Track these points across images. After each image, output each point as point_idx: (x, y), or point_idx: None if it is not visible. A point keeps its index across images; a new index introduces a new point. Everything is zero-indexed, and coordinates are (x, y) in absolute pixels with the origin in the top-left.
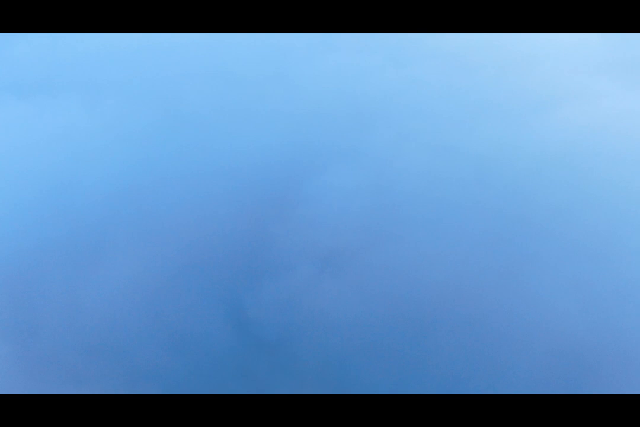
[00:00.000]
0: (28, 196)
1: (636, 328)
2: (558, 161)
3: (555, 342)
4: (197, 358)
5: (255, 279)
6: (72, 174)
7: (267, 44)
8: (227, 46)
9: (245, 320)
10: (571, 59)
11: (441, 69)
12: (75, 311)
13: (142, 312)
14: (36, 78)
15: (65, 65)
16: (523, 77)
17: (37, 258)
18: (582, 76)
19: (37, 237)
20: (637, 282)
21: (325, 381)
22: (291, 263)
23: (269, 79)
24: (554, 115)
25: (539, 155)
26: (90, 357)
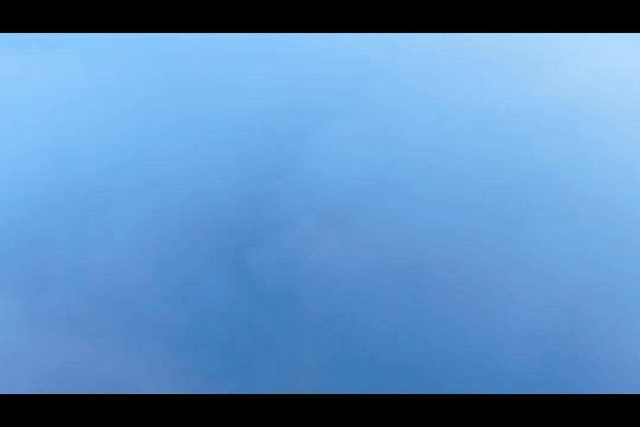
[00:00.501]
0: (31, 155)
1: (631, 286)
2: (558, 121)
3: (551, 300)
4: (202, 311)
5: (258, 234)
6: (76, 130)
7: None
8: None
9: (248, 274)
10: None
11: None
12: (82, 266)
13: (148, 267)
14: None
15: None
16: (525, 34)
17: (43, 215)
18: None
19: (42, 194)
20: (634, 242)
21: (327, 333)
22: (293, 218)
23: (272, 36)
24: (556, 74)
25: (542, 115)
26: (99, 310)
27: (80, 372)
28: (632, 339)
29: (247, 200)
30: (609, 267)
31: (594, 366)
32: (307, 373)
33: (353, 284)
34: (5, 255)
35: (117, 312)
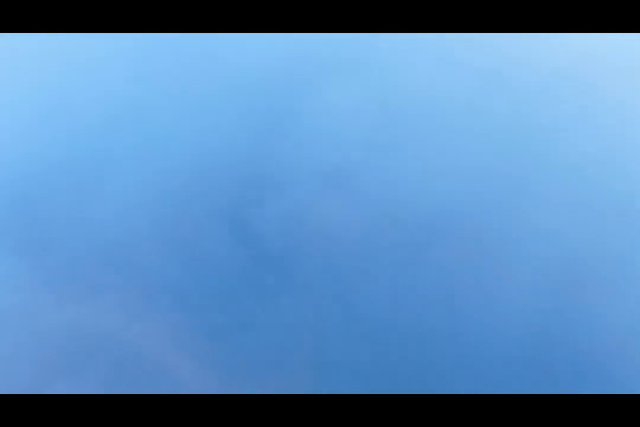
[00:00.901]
0: (32, 117)
1: (630, 247)
2: (563, 76)
3: (550, 260)
4: (205, 270)
5: (259, 195)
6: (76, 90)
7: None
8: None
9: (250, 234)
10: None
11: None
12: (85, 227)
13: (150, 227)
14: None
15: None
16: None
17: (45, 177)
18: None
19: (45, 157)
20: (633, 203)
21: (327, 291)
22: (294, 178)
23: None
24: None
25: (545, 71)
26: (103, 270)
27: (86, 332)
28: (630, 298)
29: (248, 161)
30: (609, 227)
31: (592, 325)
32: (309, 329)
33: (353, 243)
34: (8, 218)
35: (121, 272)
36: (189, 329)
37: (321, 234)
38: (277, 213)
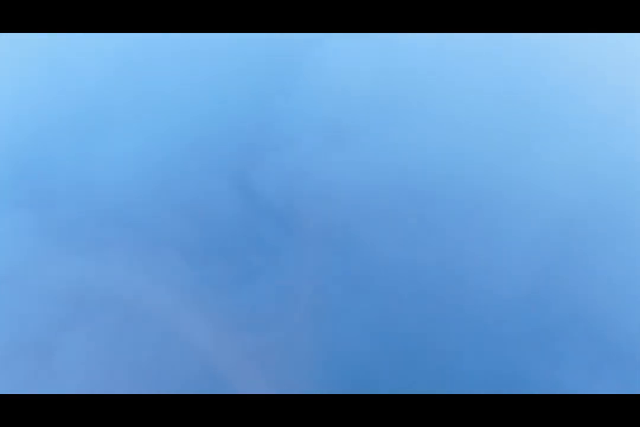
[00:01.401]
0: (34, 72)
1: (632, 200)
2: (565, 43)
3: (550, 221)
4: (208, 226)
5: (261, 151)
6: (76, 50)
7: None
8: None
9: (252, 190)
10: None
11: None
12: (89, 182)
13: (153, 184)
14: None
15: None
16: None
17: (50, 134)
18: None
19: (47, 114)
20: (634, 159)
21: (328, 246)
22: (296, 135)
23: None
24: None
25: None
26: (107, 225)
27: (93, 284)
28: (630, 260)
29: (250, 118)
30: (609, 189)
31: (591, 287)
32: (310, 282)
33: (354, 199)
34: (14, 172)
35: (125, 226)
36: (194, 282)
37: (322, 190)
38: (278, 169)
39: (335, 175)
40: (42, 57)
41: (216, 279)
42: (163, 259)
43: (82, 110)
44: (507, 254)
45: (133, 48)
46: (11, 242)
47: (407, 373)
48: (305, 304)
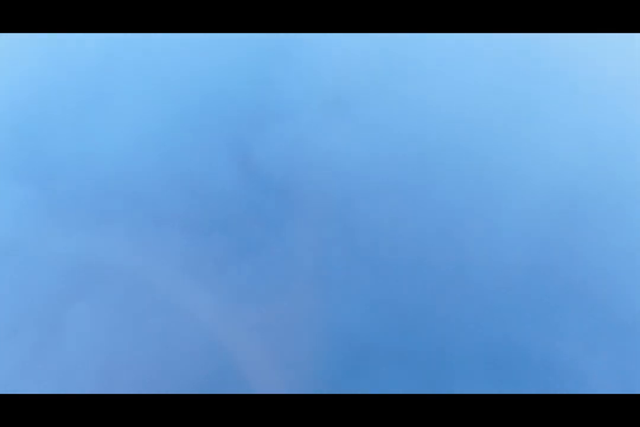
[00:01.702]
0: (34, 43)
1: (632, 172)
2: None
3: (557, 183)
4: (208, 199)
5: (261, 123)
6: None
7: None
8: None
9: (253, 163)
10: None
11: None
12: (90, 155)
13: (152, 156)
14: None
15: None
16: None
17: (49, 105)
18: None
19: (46, 87)
20: (635, 129)
21: (330, 219)
22: (297, 106)
23: None
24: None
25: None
26: (108, 198)
27: (95, 258)
28: (630, 227)
29: (250, 89)
30: (611, 157)
31: (593, 257)
32: (312, 255)
33: (356, 171)
34: (14, 145)
35: (126, 200)
36: (195, 254)
37: (323, 162)
38: (279, 142)
39: (336, 147)
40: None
41: (218, 251)
42: (164, 232)
43: (82, 82)
44: (508, 224)
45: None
46: (12, 216)
47: (408, 343)
48: (307, 275)
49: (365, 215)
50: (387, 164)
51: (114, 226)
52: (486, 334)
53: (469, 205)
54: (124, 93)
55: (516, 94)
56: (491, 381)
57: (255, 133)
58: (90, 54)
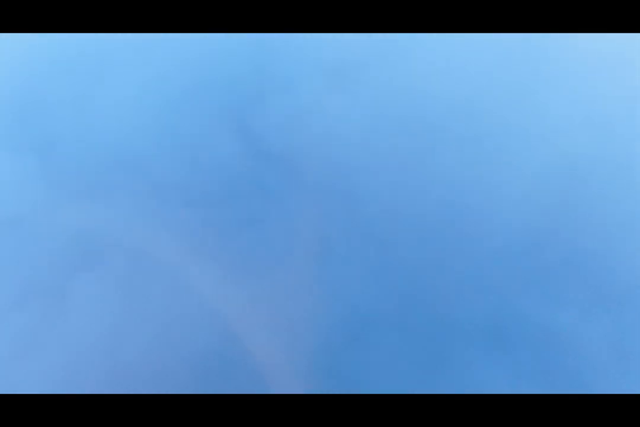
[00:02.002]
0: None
1: (632, 148)
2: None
3: (557, 155)
4: (210, 171)
5: (262, 95)
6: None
7: None
8: None
9: (253, 134)
10: None
11: None
12: (90, 127)
13: (154, 128)
14: None
15: None
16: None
17: (48, 78)
18: None
19: (46, 58)
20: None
21: (331, 191)
22: (297, 78)
23: None
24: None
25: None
26: (109, 170)
27: (96, 230)
28: (629, 199)
29: (250, 60)
30: (613, 127)
31: (591, 230)
32: (313, 227)
33: (357, 142)
34: (13, 116)
35: (127, 171)
36: (197, 227)
37: (324, 133)
38: (279, 113)
39: (338, 119)
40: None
41: (219, 223)
42: (166, 205)
43: (81, 53)
44: (507, 196)
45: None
46: (15, 188)
47: (408, 314)
48: (308, 246)
49: (366, 186)
50: (388, 136)
51: (116, 198)
52: (486, 304)
53: (470, 176)
54: (125, 66)
55: (522, 62)
56: (491, 350)
57: (256, 105)
58: (90, 41)
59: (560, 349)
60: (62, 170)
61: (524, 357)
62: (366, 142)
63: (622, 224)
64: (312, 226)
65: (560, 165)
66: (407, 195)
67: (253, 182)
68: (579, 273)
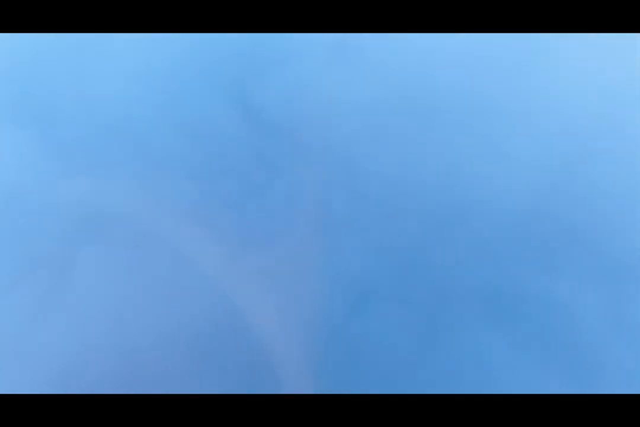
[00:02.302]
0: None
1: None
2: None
3: (554, 130)
4: (210, 143)
5: (262, 67)
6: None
7: None
8: None
9: (253, 106)
10: None
11: None
12: (91, 99)
13: (155, 100)
14: None
15: None
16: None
17: (47, 50)
18: None
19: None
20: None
21: (332, 162)
22: (298, 49)
23: None
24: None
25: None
26: (110, 143)
27: (97, 204)
28: (629, 171)
29: (250, 33)
30: (615, 100)
31: (592, 202)
32: (314, 199)
33: (358, 115)
34: (12, 88)
35: (128, 144)
36: (199, 199)
37: (325, 106)
38: (280, 84)
39: (339, 91)
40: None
41: (220, 196)
42: (167, 177)
43: (82, 31)
44: (509, 168)
45: None
46: (15, 161)
47: (410, 285)
48: (310, 218)
49: (367, 158)
50: (389, 107)
51: (117, 171)
52: (485, 275)
53: (471, 149)
54: (124, 38)
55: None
56: (489, 320)
57: (256, 77)
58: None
59: (558, 319)
60: (63, 143)
61: (522, 327)
62: (368, 112)
63: (620, 196)
64: (314, 197)
65: (562, 138)
66: (408, 166)
67: (254, 154)
68: (578, 244)
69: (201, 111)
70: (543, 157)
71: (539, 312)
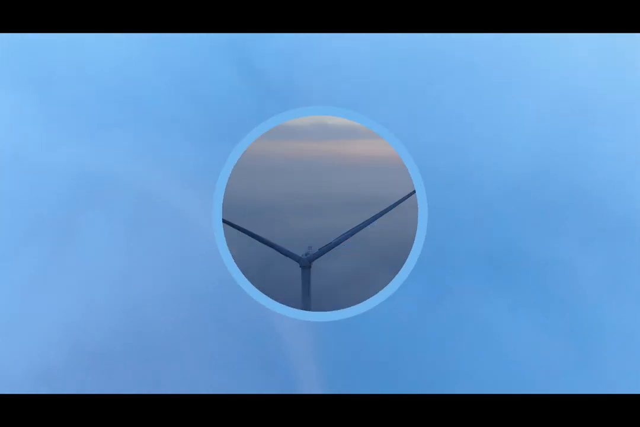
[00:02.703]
0: None
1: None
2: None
3: (557, 92)
4: (210, 105)
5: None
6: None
7: None
8: None
9: (252, 66)
10: None
11: None
12: (89, 61)
13: (152, 61)
14: None
15: None
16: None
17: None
18: None
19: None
20: None
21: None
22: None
23: None
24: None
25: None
26: (109, 105)
27: (97, 168)
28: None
29: None
30: (616, 67)
31: (592, 158)
32: None
33: (359, 74)
34: (9, 50)
35: (128, 107)
36: (199, 162)
37: (327, 65)
38: (281, 45)
39: (340, 48)
40: None
41: (222, 158)
42: (167, 139)
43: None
44: (510, 130)
45: None
46: (11, 123)
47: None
48: None
49: (370, 116)
50: (392, 66)
51: (116, 134)
52: (488, 235)
53: (474, 110)
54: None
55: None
56: (490, 281)
57: (256, 38)
58: None
59: (558, 280)
60: (60, 104)
61: (523, 288)
62: (370, 72)
63: (621, 160)
64: None
65: (565, 102)
66: (412, 124)
67: (254, 115)
68: (578, 206)
69: (201, 73)
70: (546, 118)
71: (540, 274)
